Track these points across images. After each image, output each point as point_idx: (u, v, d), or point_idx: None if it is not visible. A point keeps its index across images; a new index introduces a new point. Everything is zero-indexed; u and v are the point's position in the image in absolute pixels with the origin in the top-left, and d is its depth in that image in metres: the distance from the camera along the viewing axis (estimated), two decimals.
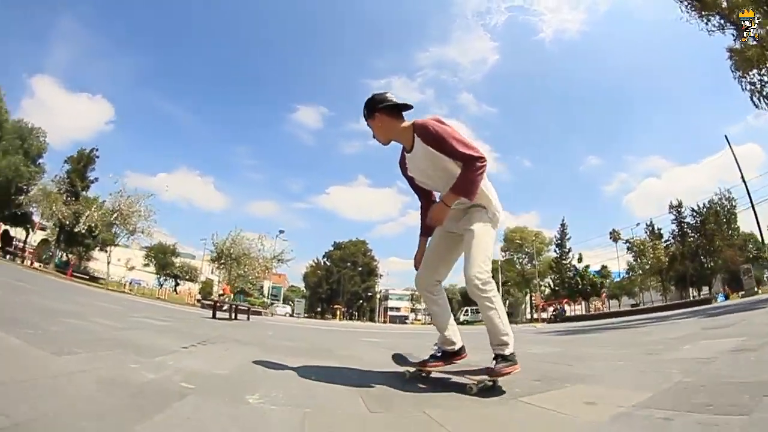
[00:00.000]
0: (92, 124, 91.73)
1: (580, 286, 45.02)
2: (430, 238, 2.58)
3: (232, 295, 18.67)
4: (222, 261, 31.77)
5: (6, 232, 26.55)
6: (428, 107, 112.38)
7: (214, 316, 10.12)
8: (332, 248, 63.50)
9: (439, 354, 2.48)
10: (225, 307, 12.27)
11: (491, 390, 2.11)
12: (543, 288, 51.17)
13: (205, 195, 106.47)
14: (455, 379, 2.32)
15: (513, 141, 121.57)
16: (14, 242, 27.41)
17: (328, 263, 62.27)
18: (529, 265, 52.12)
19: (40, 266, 25.32)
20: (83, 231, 28.21)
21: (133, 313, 7.53)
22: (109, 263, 28.96)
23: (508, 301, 51.82)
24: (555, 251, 50.61)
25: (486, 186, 2.31)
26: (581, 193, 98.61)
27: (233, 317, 11.10)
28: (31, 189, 26.67)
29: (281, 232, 38.82)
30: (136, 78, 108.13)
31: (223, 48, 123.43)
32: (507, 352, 2.16)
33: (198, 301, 20.13)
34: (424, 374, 2.52)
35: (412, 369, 2.55)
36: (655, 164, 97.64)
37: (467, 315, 48.84)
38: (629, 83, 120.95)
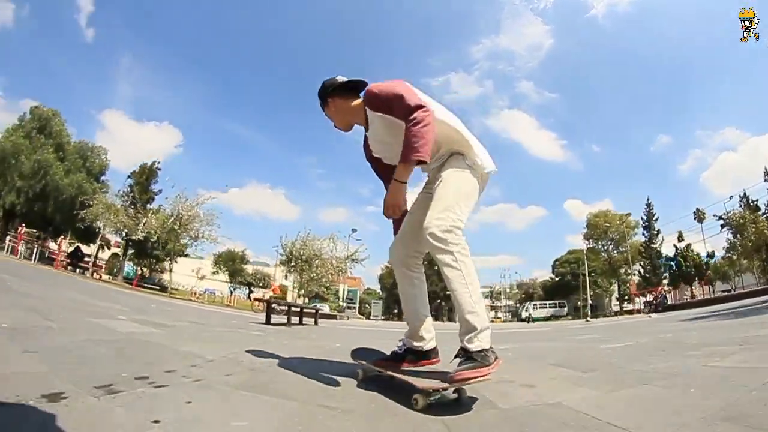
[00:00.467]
0: (163, 149, 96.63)
1: (682, 269, 39.12)
2: (411, 202, 2.03)
3: (285, 297, 16.51)
4: (292, 264, 29.81)
5: (77, 248, 26.96)
6: (488, 99, 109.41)
7: (267, 321, 7.89)
8: None
9: (402, 351, 1.97)
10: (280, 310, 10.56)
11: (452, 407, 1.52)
12: (631, 275, 45.61)
13: (277, 206, 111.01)
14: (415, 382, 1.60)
15: (579, 126, 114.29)
16: (85, 258, 27.25)
17: None
18: (616, 251, 46.59)
19: (109, 278, 25.32)
20: (142, 238, 27.39)
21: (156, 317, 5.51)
22: (171, 271, 28.34)
23: (594, 291, 46.68)
24: (643, 234, 44.87)
25: (460, 129, 1.91)
26: (655, 175, 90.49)
27: (296, 321, 9.12)
28: (94, 204, 26.29)
29: (353, 231, 35.96)
30: (199, 102, 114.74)
31: (278, 64, 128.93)
32: (475, 345, 1.56)
33: (256, 300, 17.82)
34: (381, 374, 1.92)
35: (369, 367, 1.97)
36: (729, 137, 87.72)
37: (528, 310, 44.56)
38: (689, 53, 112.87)
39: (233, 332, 4.97)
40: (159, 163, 34.86)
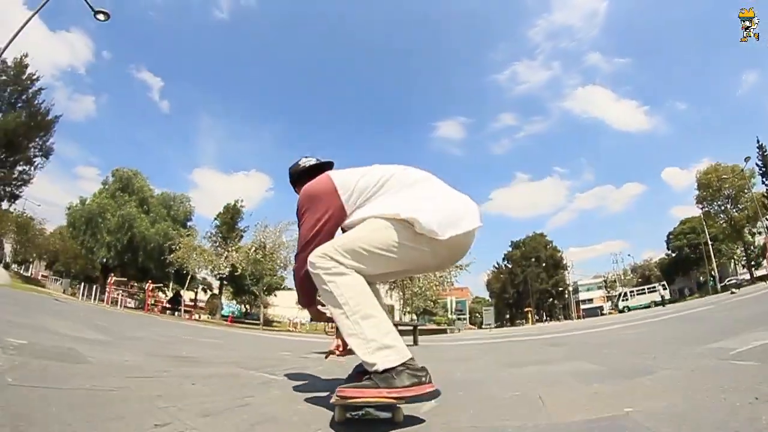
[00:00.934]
0: (256, 195, 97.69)
1: None
2: None
3: None
4: (392, 280, 27.40)
5: (177, 293, 28.26)
6: (559, 81, 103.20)
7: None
8: (510, 249, 58.11)
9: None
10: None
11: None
12: (757, 233, 38.82)
13: None
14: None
15: (657, 87, 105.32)
16: (184, 301, 27.93)
17: (509, 265, 56.85)
18: (735, 210, 40.03)
19: (207, 318, 24.95)
20: (226, 273, 27.34)
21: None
22: (263, 306, 28.09)
23: (718, 261, 40.04)
24: (763, 183, 38.11)
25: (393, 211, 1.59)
26: (749, 119, 79.30)
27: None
28: (179, 248, 26.31)
29: None
30: (280, 143, 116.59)
31: (346, 91, 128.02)
32: (370, 366, 1.41)
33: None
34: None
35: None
36: None
37: (626, 300, 38.63)
38: None
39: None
40: (242, 201, 35.63)
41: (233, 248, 27.30)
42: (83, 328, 4.50)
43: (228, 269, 26.53)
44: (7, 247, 30.75)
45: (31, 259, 35.93)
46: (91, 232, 30.06)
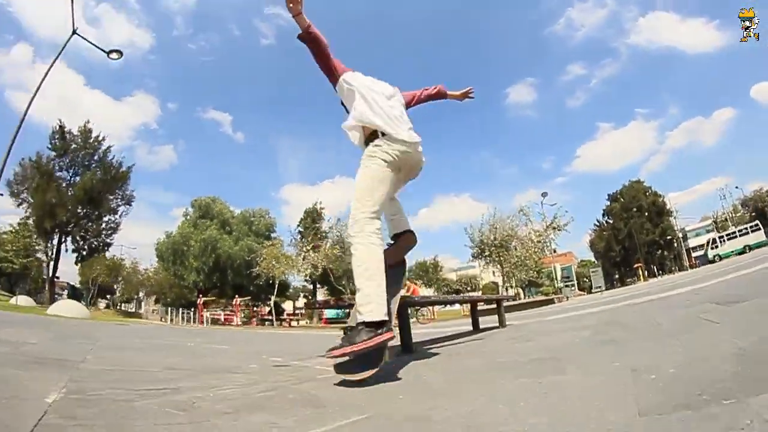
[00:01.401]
0: (343, 202, 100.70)
1: None
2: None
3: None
4: (487, 254, 24.58)
5: (276, 303, 27.53)
6: (618, 16, 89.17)
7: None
8: (609, 203, 52.32)
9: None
10: None
11: None
12: None
13: (465, 211, 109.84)
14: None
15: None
16: (285, 310, 27.05)
17: (610, 221, 51.03)
18: None
19: (306, 323, 25.27)
20: (307, 276, 26.43)
21: None
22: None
23: None
24: None
25: (368, 113, 2.17)
26: None
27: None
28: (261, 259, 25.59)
29: (544, 195, 29.22)
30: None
31: (409, 79, 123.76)
32: (358, 318, 1.78)
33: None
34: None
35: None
36: None
37: (716, 247, 30.61)
38: None
39: None
40: (321, 203, 36.43)
41: (309, 247, 26.23)
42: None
43: (308, 270, 25.47)
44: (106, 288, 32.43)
45: (136, 297, 37.83)
46: (179, 261, 30.97)
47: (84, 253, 29.79)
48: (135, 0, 76.04)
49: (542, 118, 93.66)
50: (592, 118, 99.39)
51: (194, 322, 22.58)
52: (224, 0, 79.38)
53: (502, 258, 25.04)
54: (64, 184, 28.14)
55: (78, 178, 29.15)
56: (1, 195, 25.94)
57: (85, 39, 14.54)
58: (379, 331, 1.69)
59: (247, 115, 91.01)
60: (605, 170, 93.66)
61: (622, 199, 50.13)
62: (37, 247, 28.73)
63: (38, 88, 12.90)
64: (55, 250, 27.61)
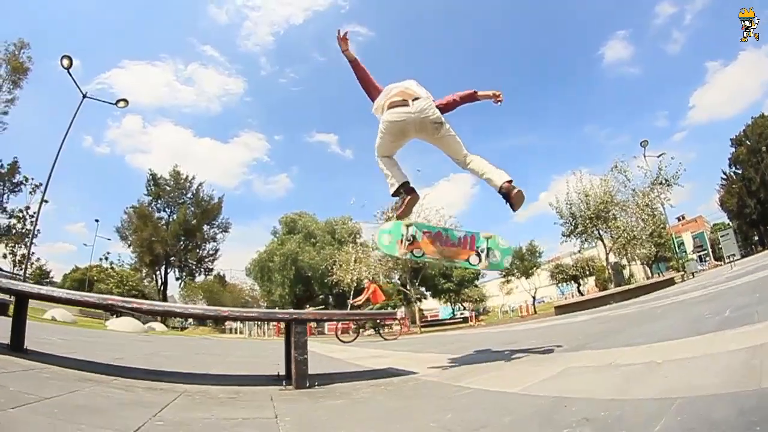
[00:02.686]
0: (463, 197, 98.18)
1: None
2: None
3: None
4: (592, 225, 20.12)
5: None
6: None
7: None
8: (734, 147, 41.93)
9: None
10: None
11: None
12: None
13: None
14: None
15: None
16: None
17: (738, 170, 40.93)
18: None
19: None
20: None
21: None
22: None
23: None
24: None
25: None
26: None
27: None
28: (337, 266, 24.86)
29: (644, 143, 23.47)
30: (469, 135, 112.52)
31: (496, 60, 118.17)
32: None
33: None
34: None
35: None
36: None
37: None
38: None
39: None
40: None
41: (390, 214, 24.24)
42: None
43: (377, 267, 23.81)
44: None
45: None
46: (266, 277, 31.47)
47: (187, 279, 32.31)
48: (219, 54, 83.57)
49: (645, 71, 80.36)
50: (696, 59, 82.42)
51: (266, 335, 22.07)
52: (300, 32, 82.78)
53: (601, 231, 20.72)
54: (162, 223, 30.93)
55: (174, 216, 31.90)
56: (109, 240, 29.12)
57: (96, 99, 16.38)
58: None
59: (351, 132, 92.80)
60: (725, 116, 77.10)
61: (747, 141, 39.86)
62: (146, 281, 31.68)
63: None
64: (162, 279, 30.54)
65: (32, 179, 24.04)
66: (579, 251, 21.75)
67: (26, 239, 22.42)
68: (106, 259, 31.75)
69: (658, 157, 21.30)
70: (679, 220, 42.25)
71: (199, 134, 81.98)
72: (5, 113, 20.72)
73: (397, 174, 3.13)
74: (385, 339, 9.85)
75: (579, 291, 33.24)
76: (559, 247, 36.90)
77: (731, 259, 21.31)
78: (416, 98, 2.93)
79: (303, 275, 31.00)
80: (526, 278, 34.79)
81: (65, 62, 15.08)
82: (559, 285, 35.89)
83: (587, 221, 20.48)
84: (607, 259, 21.83)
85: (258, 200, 72.75)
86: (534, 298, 28.83)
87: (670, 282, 17.69)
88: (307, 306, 24.55)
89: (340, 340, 9.62)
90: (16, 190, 23.95)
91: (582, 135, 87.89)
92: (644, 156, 21.78)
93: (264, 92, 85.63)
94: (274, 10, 75.31)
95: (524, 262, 34.74)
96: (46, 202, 23.97)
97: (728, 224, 41.58)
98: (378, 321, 10.10)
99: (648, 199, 20.65)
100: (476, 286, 37.18)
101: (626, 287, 18.24)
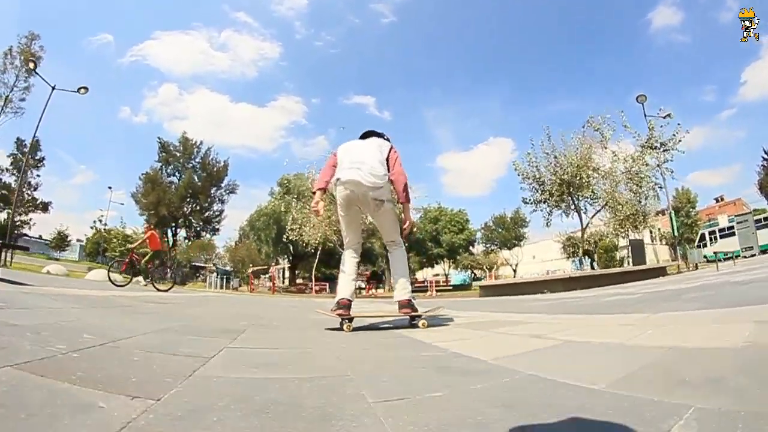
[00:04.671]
0: (500, 162, 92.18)
1: None
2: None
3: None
4: (562, 192, 16.27)
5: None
6: None
7: None
8: None
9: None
10: None
11: None
12: None
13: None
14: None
15: None
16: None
17: None
18: None
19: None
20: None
21: None
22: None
23: None
24: None
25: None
26: None
27: None
28: None
29: (640, 98, 18.59)
30: (506, 104, 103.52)
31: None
32: None
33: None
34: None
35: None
36: None
37: None
38: None
39: None
40: None
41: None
42: None
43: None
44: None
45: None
46: (255, 237, 31.73)
47: (194, 238, 33.89)
48: (252, 19, 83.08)
49: (696, 39, 65.37)
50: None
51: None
52: None
53: (578, 201, 17.26)
54: (171, 187, 32.39)
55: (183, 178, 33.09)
56: (122, 204, 31.08)
57: (64, 90, 18.05)
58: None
59: (389, 94, 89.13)
60: None
61: None
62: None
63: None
64: (172, 239, 32.37)
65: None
66: (547, 224, 18.26)
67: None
68: (122, 223, 34.13)
69: (664, 117, 16.79)
70: (717, 201, 35.87)
71: (235, 99, 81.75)
72: (22, 99, 22.37)
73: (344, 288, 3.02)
74: (158, 290, 8.80)
75: (592, 266, 29.53)
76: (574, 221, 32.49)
77: (750, 252, 16.63)
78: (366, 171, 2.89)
79: (282, 235, 30.54)
80: (508, 249, 31.39)
81: (31, 65, 16.93)
82: (571, 258, 31.92)
83: (555, 187, 17.12)
84: (582, 233, 18.31)
85: (296, 163, 73.72)
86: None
87: (661, 272, 14.09)
88: (273, 266, 24.34)
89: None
90: (39, 165, 26.76)
91: (626, 104, 76.12)
92: (644, 115, 17.30)
93: (300, 56, 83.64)
94: None
95: (507, 232, 31.30)
96: (37, 168, 26.57)
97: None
98: (148, 267, 9.51)
99: (636, 164, 16.62)
100: (471, 253, 34.50)
101: (591, 273, 15.30)
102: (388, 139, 3.26)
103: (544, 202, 17.93)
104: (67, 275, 16.01)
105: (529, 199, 17.99)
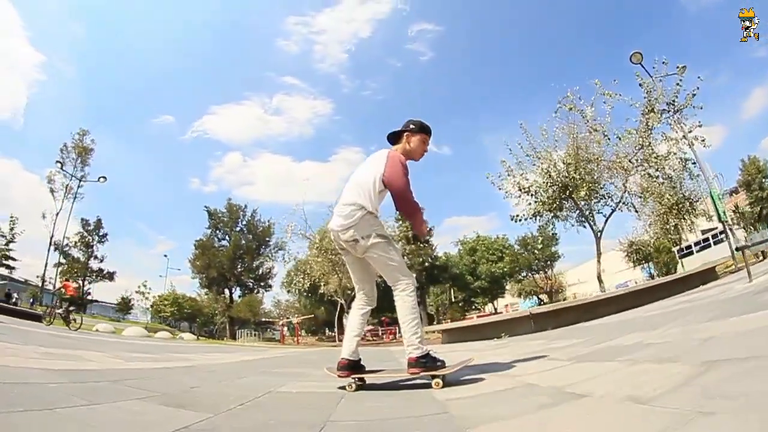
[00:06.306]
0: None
1: None
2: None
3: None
4: (560, 200, 13.61)
5: None
6: None
7: None
8: None
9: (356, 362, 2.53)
10: None
11: None
12: None
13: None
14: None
15: None
16: None
17: None
18: None
19: None
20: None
21: None
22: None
23: None
24: None
25: None
26: None
27: None
28: None
29: (635, 58, 15.18)
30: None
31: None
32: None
33: None
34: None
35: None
36: None
37: None
38: None
39: None
40: None
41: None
42: None
43: None
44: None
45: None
46: (295, 289, 31.68)
47: (247, 295, 35.61)
48: (299, 81, 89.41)
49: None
50: None
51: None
52: (370, 43, 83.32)
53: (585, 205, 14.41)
54: (221, 250, 34.96)
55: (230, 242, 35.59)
56: (179, 270, 33.93)
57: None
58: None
59: (443, 127, 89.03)
60: None
61: None
62: (208, 300, 35.82)
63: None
64: (228, 298, 34.53)
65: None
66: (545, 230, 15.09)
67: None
68: (172, 287, 36.52)
69: (681, 69, 13.27)
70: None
71: (298, 159, 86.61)
72: (80, 186, 26.47)
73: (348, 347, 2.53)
74: (70, 328, 10.43)
75: (651, 276, 24.11)
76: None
77: None
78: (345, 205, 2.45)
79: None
80: (537, 272, 26.35)
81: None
82: (637, 265, 26.21)
83: (547, 194, 14.46)
84: (597, 243, 14.84)
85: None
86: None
87: (711, 274, 10.39)
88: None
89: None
90: (103, 240, 31.19)
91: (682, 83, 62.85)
92: (641, 76, 13.80)
93: (351, 107, 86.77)
94: (339, 29, 77.04)
95: (540, 251, 26.54)
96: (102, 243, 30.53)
97: None
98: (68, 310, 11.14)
99: (644, 138, 13.37)
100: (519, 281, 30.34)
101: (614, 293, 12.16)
102: (410, 130, 2.61)
103: (539, 215, 15.12)
104: (112, 332, 17.54)
105: (522, 216, 15.22)
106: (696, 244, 19.15)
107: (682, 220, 16.72)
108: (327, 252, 20.01)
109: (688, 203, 16.45)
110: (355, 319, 2.55)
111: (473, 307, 34.48)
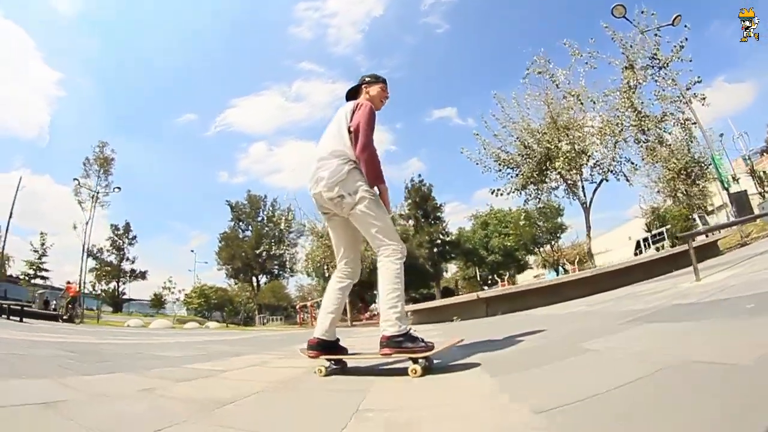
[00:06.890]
0: None
1: None
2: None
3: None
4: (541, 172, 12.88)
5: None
6: None
7: None
8: None
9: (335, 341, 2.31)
10: None
11: None
12: None
13: (724, 99, 73.34)
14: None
15: None
16: None
17: None
18: None
19: None
20: None
21: None
22: None
23: None
24: None
25: None
26: None
27: None
28: None
29: (617, 10, 13.67)
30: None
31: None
32: None
33: None
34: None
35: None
36: None
37: None
38: None
39: None
40: None
41: None
42: None
43: None
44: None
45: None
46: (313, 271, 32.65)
47: (272, 282, 37.14)
48: (317, 65, 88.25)
49: None
50: None
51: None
52: (385, 19, 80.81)
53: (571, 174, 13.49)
54: (246, 241, 36.40)
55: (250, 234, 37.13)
56: (206, 263, 35.89)
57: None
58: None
59: (468, 99, 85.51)
60: None
61: None
62: (238, 290, 37.64)
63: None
64: (255, 286, 36.29)
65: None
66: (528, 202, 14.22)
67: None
68: (198, 280, 38.33)
69: (673, 22, 12.05)
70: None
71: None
72: (106, 194, 28.29)
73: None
74: (63, 320, 13.47)
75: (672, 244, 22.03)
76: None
77: None
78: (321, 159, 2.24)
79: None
80: (537, 247, 24.51)
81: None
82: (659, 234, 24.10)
83: (526, 166, 13.73)
84: (587, 216, 13.89)
85: (397, 188, 73.92)
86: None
87: (711, 249, 9.19)
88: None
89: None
90: (132, 242, 33.79)
91: (707, 38, 60.83)
92: (612, 29, 12.44)
93: None
94: (350, 10, 75.08)
95: (545, 223, 24.63)
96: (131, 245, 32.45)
97: None
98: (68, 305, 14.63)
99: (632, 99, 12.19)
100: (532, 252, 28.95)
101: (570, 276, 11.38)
102: (366, 83, 2.52)
103: (524, 188, 14.41)
104: (141, 326, 19.14)
105: (505, 190, 14.48)
106: (719, 208, 17.38)
107: (693, 186, 15.14)
108: (323, 237, 20.26)
109: (697, 167, 14.84)
110: (331, 294, 2.26)
111: (495, 280, 33.85)
